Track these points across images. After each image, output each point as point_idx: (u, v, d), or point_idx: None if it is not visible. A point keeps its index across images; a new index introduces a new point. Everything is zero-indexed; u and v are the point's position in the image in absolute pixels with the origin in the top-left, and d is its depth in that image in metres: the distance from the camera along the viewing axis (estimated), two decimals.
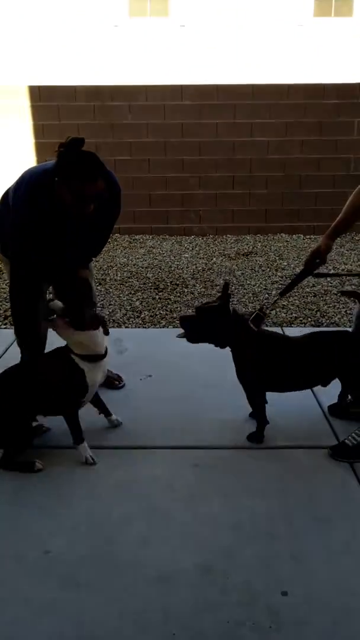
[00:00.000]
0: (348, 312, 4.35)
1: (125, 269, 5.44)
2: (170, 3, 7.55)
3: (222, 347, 2.55)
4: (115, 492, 2.26)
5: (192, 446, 2.56)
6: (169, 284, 5.07)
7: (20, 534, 2.05)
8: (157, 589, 1.81)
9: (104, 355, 2.43)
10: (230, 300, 2.51)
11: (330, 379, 2.66)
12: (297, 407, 2.83)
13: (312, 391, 2.92)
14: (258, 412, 2.63)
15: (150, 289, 4.94)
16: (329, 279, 5.00)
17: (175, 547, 1.97)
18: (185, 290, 4.88)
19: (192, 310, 2.73)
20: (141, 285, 5.02)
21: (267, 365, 2.53)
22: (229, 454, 2.51)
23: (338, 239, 2.67)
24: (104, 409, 2.69)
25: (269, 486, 2.29)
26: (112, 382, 3.10)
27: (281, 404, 2.81)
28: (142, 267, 5.56)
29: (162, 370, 3.29)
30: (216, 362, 3.30)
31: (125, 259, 5.89)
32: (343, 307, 4.44)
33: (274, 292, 4.77)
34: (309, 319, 4.25)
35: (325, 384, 2.67)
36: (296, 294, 4.71)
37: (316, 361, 2.56)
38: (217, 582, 1.83)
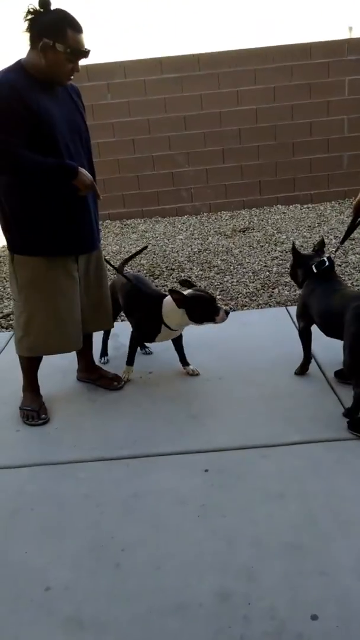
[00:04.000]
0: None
1: (118, 257, 5.19)
2: None
3: None
4: (121, 511, 2.05)
5: (201, 450, 2.34)
6: (164, 269, 4.82)
7: (15, 568, 1.85)
8: (170, 620, 1.61)
9: None
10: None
11: None
12: (313, 396, 2.61)
13: (328, 381, 2.71)
14: None
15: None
16: None
17: (190, 571, 1.77)
18: (182, 274, 4.64)
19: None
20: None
21: None
22: (241, 455, 2.29)
23: None
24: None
25: (287, 489, 2.07)
26: (110, 382, 2.89)
27: (297, 392, 2.59)
28: None
29: (163, 366, 3.07)
30: (220, 350, 3.10)
31: (117, 247, 5.63)
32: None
33: (274, 269, 4.53)
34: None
35: None
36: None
37: None
38: (238, 610, 1.62)
